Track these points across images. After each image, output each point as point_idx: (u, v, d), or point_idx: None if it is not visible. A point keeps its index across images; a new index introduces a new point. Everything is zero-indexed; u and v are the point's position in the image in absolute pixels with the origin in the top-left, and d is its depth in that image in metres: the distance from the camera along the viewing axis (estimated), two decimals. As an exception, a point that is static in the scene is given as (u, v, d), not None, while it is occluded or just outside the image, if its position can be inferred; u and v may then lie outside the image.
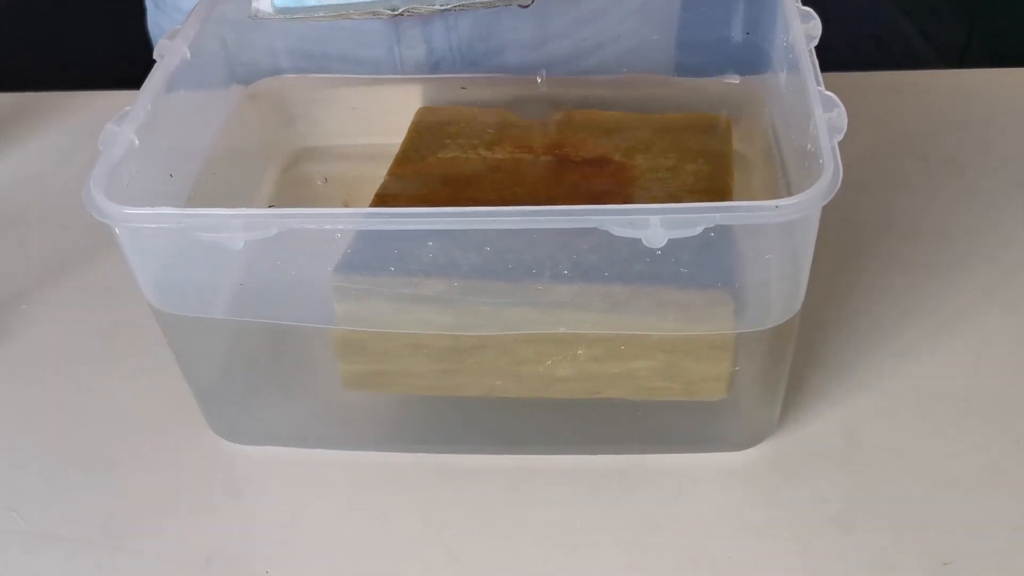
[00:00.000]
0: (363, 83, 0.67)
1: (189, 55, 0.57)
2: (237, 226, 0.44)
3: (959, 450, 0.54)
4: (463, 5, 0.47)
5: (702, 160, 0.60)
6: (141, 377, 0.59)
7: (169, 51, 0.56)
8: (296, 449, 0.55)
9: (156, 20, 0.81)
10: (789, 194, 0.52)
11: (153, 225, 0.45)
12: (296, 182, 0.65)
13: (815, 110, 0.47)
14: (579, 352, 0.49)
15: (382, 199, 0.57)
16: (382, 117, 0.67)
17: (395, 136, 0.64)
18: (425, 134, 0.62)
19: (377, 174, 0.64)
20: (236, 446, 0.56)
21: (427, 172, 0.59)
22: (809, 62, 0.50)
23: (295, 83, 0.66)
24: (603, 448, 0.54)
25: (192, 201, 0.56)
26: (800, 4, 0.55)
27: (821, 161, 0.45)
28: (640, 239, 0.43)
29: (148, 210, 0.45)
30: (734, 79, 0.62)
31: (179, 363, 0.53)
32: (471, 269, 0.47)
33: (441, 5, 0.47)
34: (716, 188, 0.57)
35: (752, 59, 0.61)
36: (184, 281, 0.49)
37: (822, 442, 0.55)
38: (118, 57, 1.13)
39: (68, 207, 0.68)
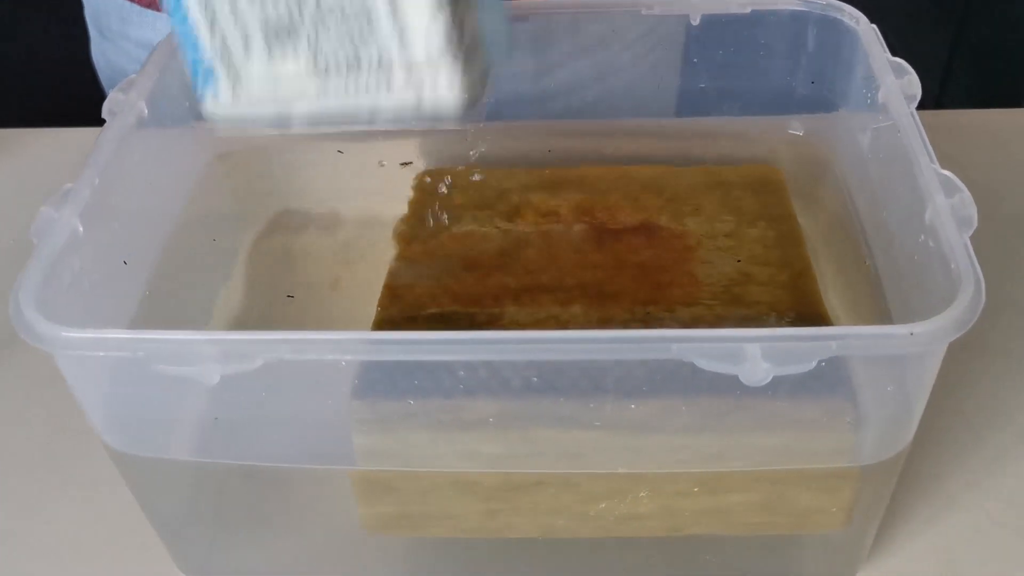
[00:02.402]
0: (348, 137, 0.57)
1: (147, 111, 0.47)
2: (211, 355, 0.34)
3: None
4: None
5: (763, 224, 0.50)
6: (91, 498, 0.48)
7: (122, 107, 0.46)
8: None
9: (102, 50, 0.71)
10: (881, 283, 0.44)
11: (101, 353, 0.35)
12: (275, 254, 0.55)
13: (933, 196, 0.38)
14: (662, 487, 0.40)
15: (394, 291, 0.47)
16: (370, 176, 0.57)
17: (387, 198, 0.54)
18: (430, 204, 0.52)
19: (369, 243, 0.55)
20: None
21: (442, 252, 0.49)
22: (915, 130, 0.41)
23: (270, 138, 0.56)
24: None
25: (152, 292, 0.46)
26: (890, 54, 0.45)
27: (954, 267, 0.35)
28: (735, 375, 0.33)
29: (94, 333, 0.35)
30: (797, 131, 0.53)
31: (138, 501, 0.43)
32: (525, 386, 0.37)
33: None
34: (790, 259, 0.48)
35: (817, 111, 0.52)
36: (143, 416, 0.39)
37: (918, 573, 0.46)
38: (59, 87, 1.03)
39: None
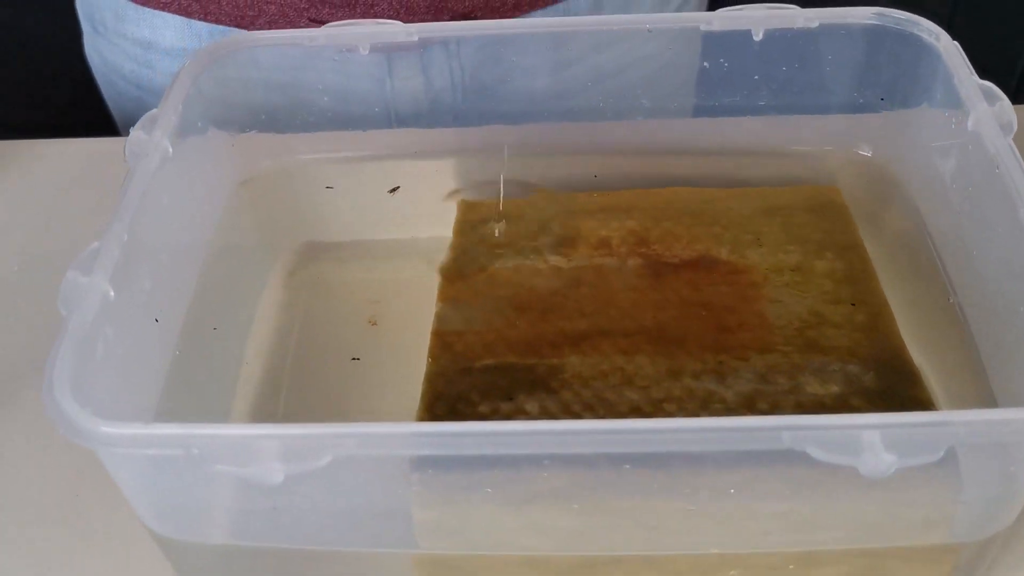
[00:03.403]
0: (374, 159, 0.53)
1: (171, 150, 0.43)
2: (273, 452, 0.31)
3: None
4: None
5: (830, 254, 0.47)
6: (111, 557, 0.44)
7: (145, 148, 0.42)
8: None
9: (96, 46, 0.67)
10: (968, 324, 0.41)
11: (153, 452, 0.32)
12: (307, 289, 0.51)
13: (1048, 246, 0.35)
14: (754, 563, 0.37)
15: (443, 339, 0.43)
16: (403, 201, 0.53)
17: (416, 224, 0.51)
18: (472, 237, 0.49)
19: (403, 273, 0.52)
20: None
21: (488, 292, 0.46)
22: (1019, 169, 0.38)
23: (292, 161, 0.52)
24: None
25: (184, 344, 0.43)
26: (978, 77, 0.42)
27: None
28: (855, 467, 0.30)
29: (144, 429, 0.32)
30: (864, 152, 0.50)
31: (182, 580, 0.40)
32: (599, 455, 0.34)
33: None
34: (864, 297, 0.45)
35: (887, 132, 0.49)
36: (192, 504, 0.36)
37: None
38: (53, 83, 0.98)
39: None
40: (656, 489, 0.36)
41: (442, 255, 0.48)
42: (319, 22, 0.56)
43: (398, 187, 0.53)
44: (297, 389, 0.47)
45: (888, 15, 0.45)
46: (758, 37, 0.46)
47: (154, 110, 0.44)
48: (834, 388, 0.41)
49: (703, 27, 0.46)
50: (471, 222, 0.49)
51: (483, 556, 0.38)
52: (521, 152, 0.53)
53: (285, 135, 0.51)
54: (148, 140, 0.42)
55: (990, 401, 0.40)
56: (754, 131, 0.50)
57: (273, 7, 0.56)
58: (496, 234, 0.48)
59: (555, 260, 0.47)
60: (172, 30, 0.60)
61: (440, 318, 0.45)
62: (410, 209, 0.53)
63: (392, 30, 0.48)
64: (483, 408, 0.40)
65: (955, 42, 0.44)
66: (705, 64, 0.48)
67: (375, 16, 0.55)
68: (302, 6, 0.56)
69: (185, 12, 0.58)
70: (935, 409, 0.40)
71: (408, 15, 0.55)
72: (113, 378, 0.36)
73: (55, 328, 0.34)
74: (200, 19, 0.58)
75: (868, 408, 0.40)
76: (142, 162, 0.41)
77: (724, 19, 0.46)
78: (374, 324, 0.50)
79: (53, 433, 0.47)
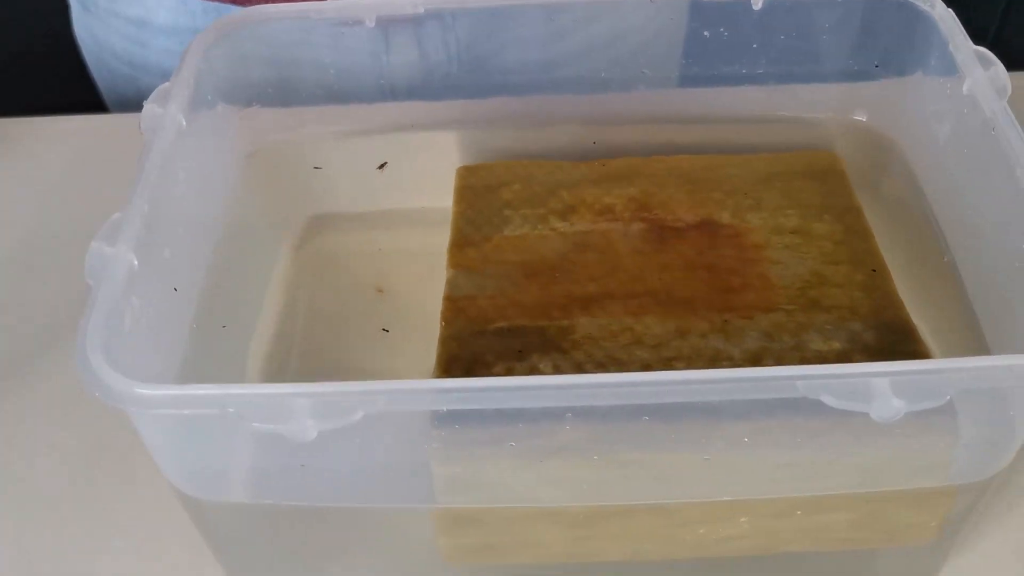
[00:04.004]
0: (379, 130, 0.54)
1: (184, 123, 0.44)
2: (306, 410, 0.32)
3: None
4: None
5: (829, 217, 0.48)
6: (140, 527, 0.46)
7: (161, 122, 0.43)
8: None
9: (86, 25, 0.67)
10: (962, 282, 0.42)
11: (189, 411, 0.33)
12: (316, 260, 0.52)
13: (1043, 203, 0.36)
14: (762, 510, 0.38)
15: (455, 304, 0.44)
16: (406, 172, 0.54)
17: (426, 196, 0.52)
18: (476, 203, 0.50)
19: (408, 242, 0.53)
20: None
21: (498, 258, 0.47)
22: (1014, 130, 0.39)
23: (300, 136, 0.53)
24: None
25: (203, 313, 0.44)
26: (972, 42, 0.43)
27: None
28: (866, 412, 0.32)
29: (179, 390, 0.33)
30: (860, 117, 0.51)
31: (207, 543, 0.41)
32: (615, 408, 0.35)
33: None
34: (862, 257, 0.46)
35: (883, 96, 0.50)
36: (220, 464, 0.37)
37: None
38: (39, 68, 0.97)
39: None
40: (671, 441, 0.37)
41: (445, 223, 0.49)
42: None
43: (386, 163, 0.54)
44: (309, 355, 0.48)
45: (883, -17, 0.46)
46: (757, 7, 0.47)
47: (166, 84, 0.45)
48: (836, 345, 0.42)
49: (705, -4, 0.47)
50: (472, 188, 0.50)
51: (500, 509, 0.39)
52: (519, 124, 0.54)
53: (289, 109, 0.52)
54: (163, 113, 0.43)
55: (985, 353, 0.42)
56: (753, 99, 0.51)
57: None
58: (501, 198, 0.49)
59: (561, 226, 0.49)
60: (166, 8, 0.61)
61: (451, 284, 0.46)
62: (412, 180, 0.54)
63: (398, 1, 0.48)
64: (498, 368, 0.41)
65: (950, 9, 0.45)
66: (706, 33, 0.49)
67: None
68: None
69: None
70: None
71: None
72: (141, 345, 0.37)
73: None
74: None
75: (868, 361, 0.41)
76: (159, 135, 0.42)
77: (726, -13, 0.47)
78: (381, 292, 0.51)
79: (69, 402, 0.49)
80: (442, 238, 0.49)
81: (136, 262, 0.38)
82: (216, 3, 0.59)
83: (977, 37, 0.44)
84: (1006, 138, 0.39)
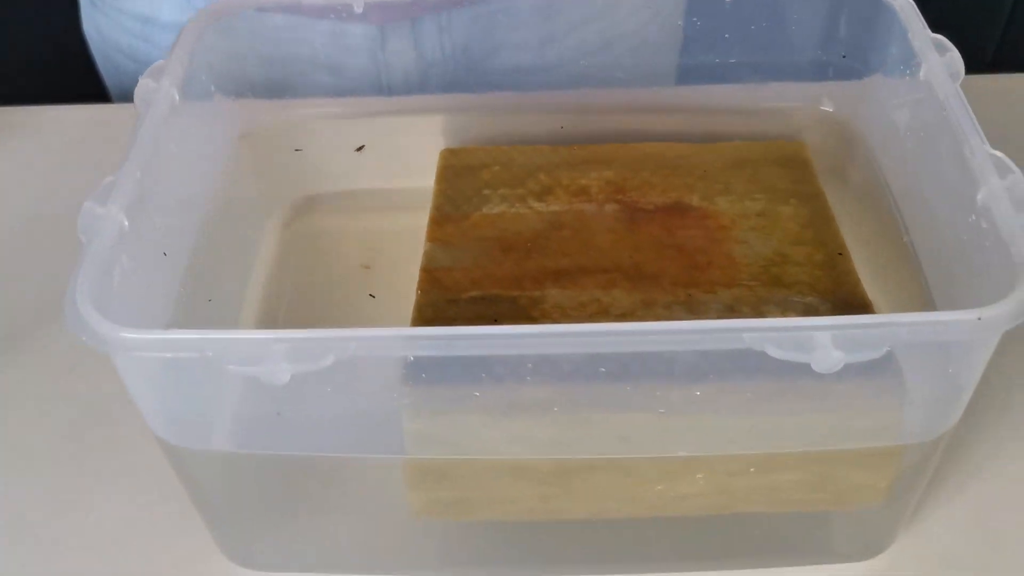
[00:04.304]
0: (367, 114, 0.56)
1: (178, 98, 0.46)
2: (280, 354, 0.34)
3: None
4: None
5: (795, 201, 0.50)
6: (134, 488, 0.48)
7: (155, 96, 0.45)
8: (331, 577, 0.45)
9: (94, 21, 0.69)
10: (920, 262, 0.44)
11: (170, 355, 0.35)
12: (304, 237, 0.54)
13: (987, 178, 0.39)
14: (717, 467, 0.40)
15: (432, 274, 0.46)
16: (393, 155, 0.56)
17: (407, 176, 0.54)
18: (457, 183, 0.52)
19: (396, 226, 0.55)
20: (254, 574, 0.46)
21: (475, 234, 0.49)
22: (964, 110, 0.41)
23: (291, 119, 0.55)
24: (705, 565, 0.45)
25: (190, 280, 0.46)
26: (930, 31, 0.45)
27: (1014, 250, 0.36)
28: (808, 363, 0.34)
29: (161, 335, 0.35)
30: (827, 107, 0.53)
31: (188, 492, 0.43)
32: (577, 369, 0.37)
33: None
34: (824, 238, 0.48)
35: (848, 87, 0.52)
36: (203, 411, 0.39)
37: (954, 544, 0.46)
38: (46, 60, 1.00)
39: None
40: (628, 400, 0.39)
41: (429, 203, 0.51)
42: None
43: (363, 146, 0.56)
44: (294, 324, 0.49)
45: (847, -24, 0.49)
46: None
47: (161, 60, 0.47)
48: (793, 316, 0.44)
49: (680, -13, 0.49)
50: (454, 168, 0.53)
51: (468, 464, 0.41)
52: (503, 111, 0.57)
53: (280, 89, 0.54)
54: (157, 87, 0.45)
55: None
56: (725, 90, 0.53)
57: None
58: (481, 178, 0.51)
59: (537, 206, 0.51)
60: (170, 5, 0.63)
61: (429, 256, 0.48)
62: (398, 162, 0.56)
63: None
64: (470, 334, 0.43)
65: (910, 0, 0.47)
66: (679, 23, 0.51)
67: None
68: None
69: None
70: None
71: None
72: (129, 299, 0.39)
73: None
74: None
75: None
76: (152, 108, 0.44)
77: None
78: (368, 268, 0.53)
79: (56, 374, 0.51)
80: (425, 218, 0.51)
81: (127, 223, 0.40)
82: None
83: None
84: (956, 119, 0.41)
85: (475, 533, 0.45)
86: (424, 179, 0.53)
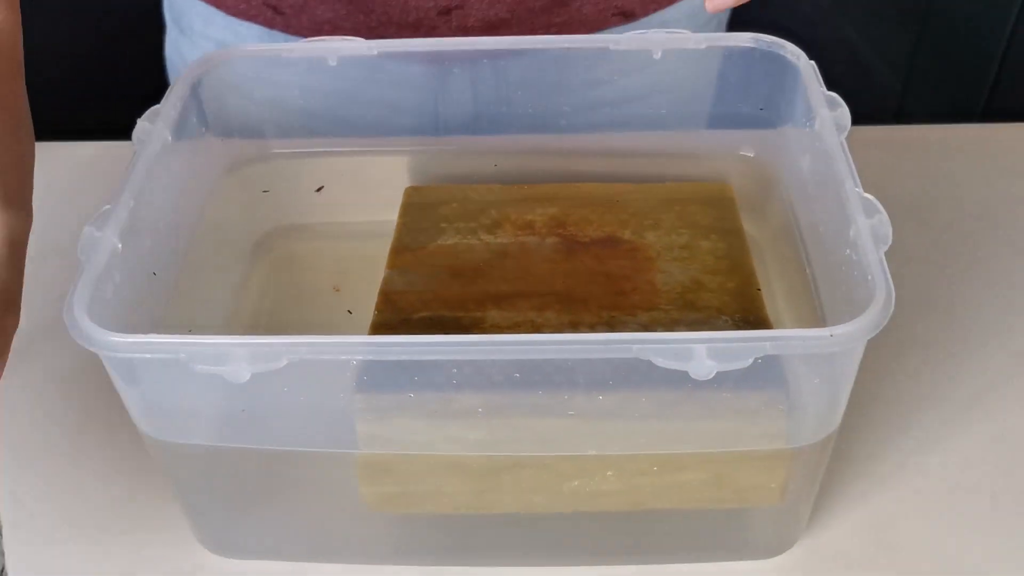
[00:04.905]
0: (345, 154, 0.63)
1: (170, 138, 0.53)
2: (242, 356, 0.40)
3: (992, 544, 0.51)
4: None
5: (715, 236, 0.57)
6: (118, 483, 0.54)
7: (150, 136, 0.52)
8: (295, 564, 0.51)
9: (177, 46, 0.75)
10: (817, 289, 0.50)
11: (148, 356, 0.41)
12: (281, 262, 0.61)
13: (856, 216, 0.45)
14: (625, 466, 0.46)
15: (388, 297, 0.53)
16: (362, 191, 0.63)
17: (378, 211, 0.61)
18: (418, 217, 0.58)
19: (364, 252, 0.61)
20: (225, 560, 0.52)
21: (430, 263, 0.55)
22: (844, 158, 0.48)
23: (273, 152, 0.62)
24: (623, 559, 0.51)
25: (177, 298, 0.52)
26: (825, 88, 0.52)
27: (870, 278, 0.42)
28: (686, 371, 0.40)
29: (141, 338, 0.41)
30: (748, 153, 0.60)
31: (169, 483, 0.49)
32: (505, 380, 0.44)
33: None
34: (737, 269, 0.54)
35: (766, 136, 0.58)
36: (179, 408, 0.45)
37: (852, 545, 0.52)
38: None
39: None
40: (544, 406, 0.45)
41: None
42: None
43: (322, 187, 0.63)
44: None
45: (761, 39, 0.55)
46: (657, 56, 0.56)
47: (157, 105, 0.54)
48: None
49: (612, 47, 0.56)
50: (416, 205, 0.59)
51: (413, 460, 0.47)
52: (461, 153, 0.63)
53: (265, 130, 0.61)
54: (152, 128, 0.52)
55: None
56: (659, 137, 0.60)
57: (348, 25, 0.64)
58: (439, 213, 0.58)
59: (487, 238, 0.57)
60: (254, 36, 0.68)
61: (387, 281, 0.54)
62: (370, 197, 0.62)
63: (356, 45, 0.57)
64: (417, 348, 0.50)
65: (812, 61, 0.53)
66: (615, 77, 0.58)
67: (487, 18, 0.62)
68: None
69: (269, 24, 0.67)
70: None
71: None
72: (118, 313, 0.46)
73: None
74: (280, 30, 0.67)
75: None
76: (146, 147, 0.51)
77: (630, 40, 0.56)
78: (338, 290, 0.60)
79: (63, 378, 0.58)
80: (389, 246, 0.57)
81: (120, 245, 0.46)
82: (297, 36, 0.66)
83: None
84: (837, 166, 0.48)
85: (420, 525, 0.51)
86: (390, 213, 0.60)
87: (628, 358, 0.40)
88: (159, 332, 0.48)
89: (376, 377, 0.45)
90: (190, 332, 0.52)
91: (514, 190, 0.61)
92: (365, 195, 0.63)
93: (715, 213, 0.59)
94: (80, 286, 0.43)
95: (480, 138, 0.63)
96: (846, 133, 0.49)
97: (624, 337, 0.40)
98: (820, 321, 0.51)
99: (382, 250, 0.58)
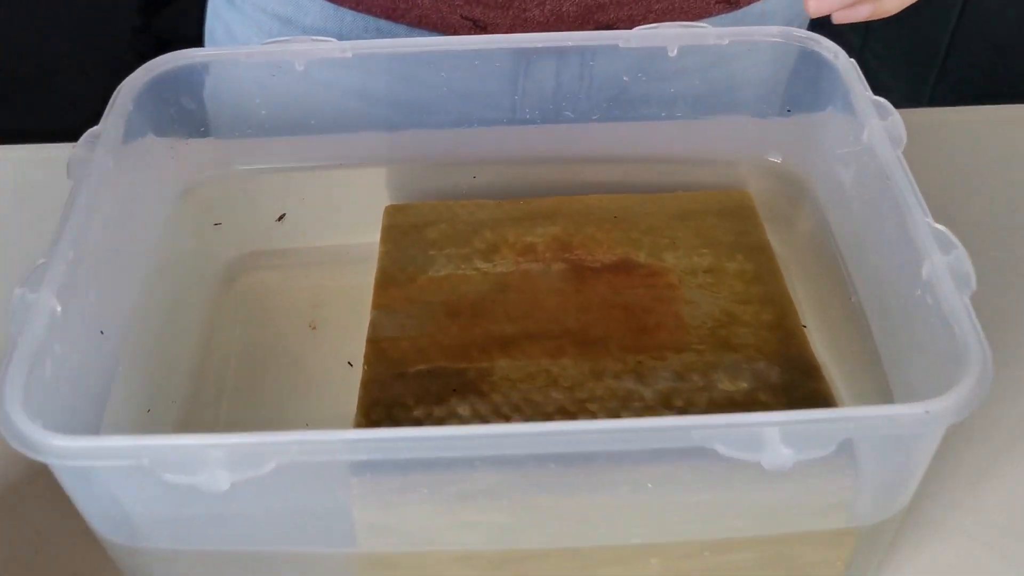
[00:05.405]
0: (313, 169, 0.55)
1: (112, 165, 0.45)
2: (219, 461, 0.33)
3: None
4: None
5: (741, 256, 0.50)
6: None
7: (88, 167, 0.44)
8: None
9: (223, 19, 0.64)
10: (868, 322, 0.44)
11: (104, 463, 0.34)
12: (249, 296, 0.53)
13: (929, 252, 0.39)
14: (671, 551, 0.40)
15: (378, 346, 0.46)
16: (333, 210, 0.55)
17: (358, 234, 0.53)
18: (402, 243, 0.51)
19: (343, 283, 0.54)
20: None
21: (421, 299, 0.48)
22: (906, 180, 0.41)
23: (231, 172, 0.54)
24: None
25: (131, 355, 0.45)
26: (871, 92, 0.45)
27: (958, 333, 0.36)
28: (758, 461, 0.33)
29: (95, 442, 0.34)
30: (775, 159, 0.53)
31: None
32: (528, 456, 0.37)
33: None
34: (772, 297, 0.48)
35: (793, 140, 0.52)
36: (142, 515, 0.37)
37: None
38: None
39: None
40: (579, 486, 0.38)
41: (375, 258, 0.51)
42: (472, 20, 0.55)
43: (284, 214, 0.55)
44: (239, 392, 0.49)
45: (791, 34, 0.48)
46: (672, 53, 0.49)
47: (95, 127, 0.46)
48: (743, 384, 0.44)
49: (621, 44, 0.49)
50: (399, 227, 0.52)
51: (419, 553, 0.40)
52: (442, 162, 0.56)
53: (223, 148, 0.53)
54: (90, 157, 0.44)
55: (886, 393, 0.44)
56: (670, 140, 0.53)
57: (427, 1, 0.55)
58: (427, 237, 0.51)
59: (484, 267, 0.50)
60: (318, 10, 0.59)
61: (375, 325, 0.47)
62: (346, 217, 0.55)
63: (325, 47, 0.50)
64: (417, 412, 0.43)
65: (851, 59, 0.47)
66: (625, 79, 0.51)
67: (526, 20, 0.55)
68: (457, 2, 0.55)
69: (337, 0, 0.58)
70: (834, 402, 0.43)
71: (557, 23, 0.55)
72: (63, 392, 0.38)
73: None
74: (350, 7, 0.57)
75: (773, 402, 0.43)
76: (85, 183, 0.43)
77: (641, 36, 0.49)
78: (314, 328, 0.52)
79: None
80: (370, 273, 0.50)
81: (59, 308, 0.38)
82: (369, 16, 0.58)
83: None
84: (899, 188, 0.41)
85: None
86: (371, 233, 0.52)
87: (688, 446, 0.33)
88: (112, 407, 0.41)
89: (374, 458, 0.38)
90: (149, 412, 0.46)
91: (507, 206, 0.54)
92: (337, 215, 0.55)
93: (736, 227, 0.52)
94: (12, 370, 0.35)
95: (463, 137, 0.55)
96: (902, 147, 0.43)
97: (681, 423, 0.34)
98: (873, 362, 0.44)
99: (360, 278, 0.51)
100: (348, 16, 0.59)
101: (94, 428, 0.40)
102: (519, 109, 0.56)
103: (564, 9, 0.54)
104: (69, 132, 0.59)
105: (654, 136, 0.53)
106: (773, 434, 0.33)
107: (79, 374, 0.41)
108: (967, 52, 1.36)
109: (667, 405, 0.43)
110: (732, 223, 0.52)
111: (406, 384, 0.44)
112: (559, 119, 0.54)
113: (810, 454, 0.33)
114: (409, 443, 0.33)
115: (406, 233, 0.52)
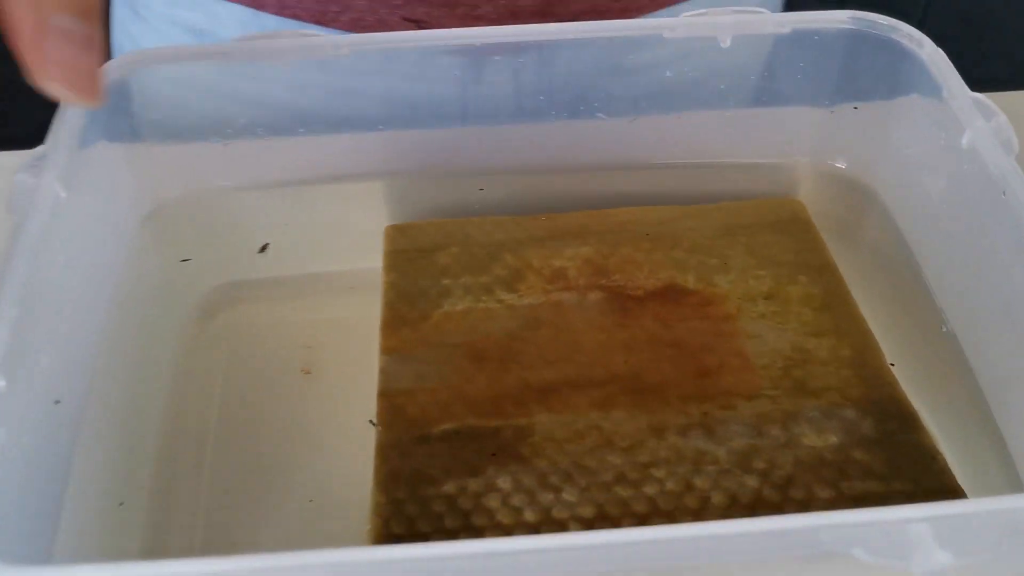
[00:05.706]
0: (293, 184, 0.47)
1: (63, 193, 0.37)
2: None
3: None
4: None
5: (804, 278, 0.44)
6: None
7: (34, 199, 0.36)
8: None
9: (129, 32, 0.56)
10: (966, 359, 0.38)
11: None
12: (229, 336, 0.46)
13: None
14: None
15: (392, 401, 0.38)
16: (320, 231, 0.48)
17: (355, 258, 0.46)
18: (410, 272, 0.44)
19: (337, 316, 0.46)
20: None
21: (438, 340, 0.41)
22: (1028, 196, 0.34)
23: (199, 191, 0.46)
24: None
25: (91, 425, 0.37)
26: (968, 87, 0.38)
27: None
28: (907, 568, 0.26)
29: (56, 571, 0.26)
30: (840, 164, 0.46)
31: None
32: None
33: None
34: (847, 328, 0.41)
35: (860, 142, 0.45)
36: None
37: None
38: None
39: None
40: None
41: (376, 287, 0.43)
42: (415, 21, 0.48)
43: (267, 244, 0.47)
44: (222, 464, 0.41)
45: (865, 19, 0.41)
46: (725, 44, 0.42)
47: (41, 146, 0.38)
48: (832, 439, 0.37)
49: (666, 34, 0.41)
50: (404, 252, 0.44)
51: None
52: (453, 172, 0.48)
53: (194, 157, 0.45)
54: (36, 185, 0.36)
55: (997, 442, 0.37)
56: (716, 143, 0.46)
57: (362, 2, 0.48)
58: (438, 263, 0.43)
59: (508, 298, 0.43)
60: (235, 20, 0.51)
61: (386, 375, 0.39)
62: (341, 239, 0.47)
63: (318, 43, 0.42)
64: (448, 487, 0.35)
65: (940, 49, 0.40)
66: (668, 74, 0.43)
67: (477, 18, 0.48)
68: (396, 2, 0.48)
69: (256, 3, 0.50)
70: (942, 459, 0.36)
71: (513, 19, 0.48)
72: (9, 493, 0.30)
73: None
74: (273, 12, 0.50)
75: (871, 460, 0.36)
76: (30, 219, 0.35)
77: (689, 25, 0.41)
78: (308, 373, 0.44)
79: None
80: (371, 304, 0.43)
81: (3, 383, 0.31)
82: (296, 21, 0.50)
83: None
84: (1019, 202, 0.34)
85: None
86: (370, 257, 0.45)
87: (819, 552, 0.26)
88: (72, 497, 0.34)
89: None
90: (120, 505, 0.38)
91: (527, 223, 0.46)
92: (327, 237, 0.47)
93: (793, 244, 0.45)
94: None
95: (467, 138, 0.48)
96: (1015, 154, 0.36)
97: (802, 523, 0.27)
98: (978, 406, 0.38)
99: (358, 311, 0.44)
100: (271, 22, 0.51)
101: (51, 532, 0.33)
102: (533, 107, 0.49)
103: (519, 6, 0.47)
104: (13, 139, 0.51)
105: (690, 136, 0.46)
106: (924, 532, 0.26)
107: (31, 461, 0.33)
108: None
109: (747, 468, 0.36)
110: (788, 238, 0.45)
111: (430, 449, 0.37)
112: (589, 115, 0.46)
113: (970, 557, 0.26)
114: (455, 562, 0.26)
115: (412, 259, 0.44)
